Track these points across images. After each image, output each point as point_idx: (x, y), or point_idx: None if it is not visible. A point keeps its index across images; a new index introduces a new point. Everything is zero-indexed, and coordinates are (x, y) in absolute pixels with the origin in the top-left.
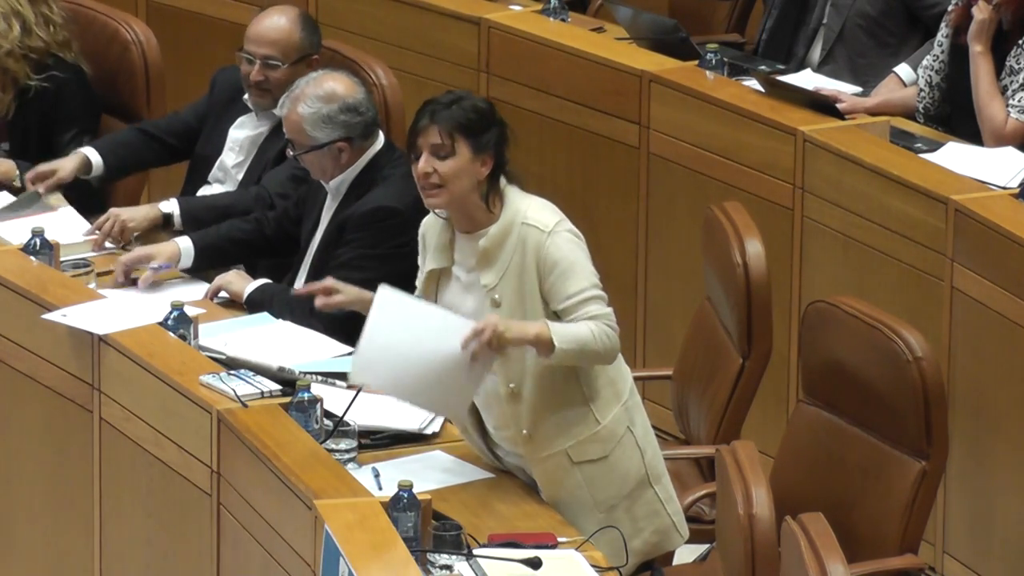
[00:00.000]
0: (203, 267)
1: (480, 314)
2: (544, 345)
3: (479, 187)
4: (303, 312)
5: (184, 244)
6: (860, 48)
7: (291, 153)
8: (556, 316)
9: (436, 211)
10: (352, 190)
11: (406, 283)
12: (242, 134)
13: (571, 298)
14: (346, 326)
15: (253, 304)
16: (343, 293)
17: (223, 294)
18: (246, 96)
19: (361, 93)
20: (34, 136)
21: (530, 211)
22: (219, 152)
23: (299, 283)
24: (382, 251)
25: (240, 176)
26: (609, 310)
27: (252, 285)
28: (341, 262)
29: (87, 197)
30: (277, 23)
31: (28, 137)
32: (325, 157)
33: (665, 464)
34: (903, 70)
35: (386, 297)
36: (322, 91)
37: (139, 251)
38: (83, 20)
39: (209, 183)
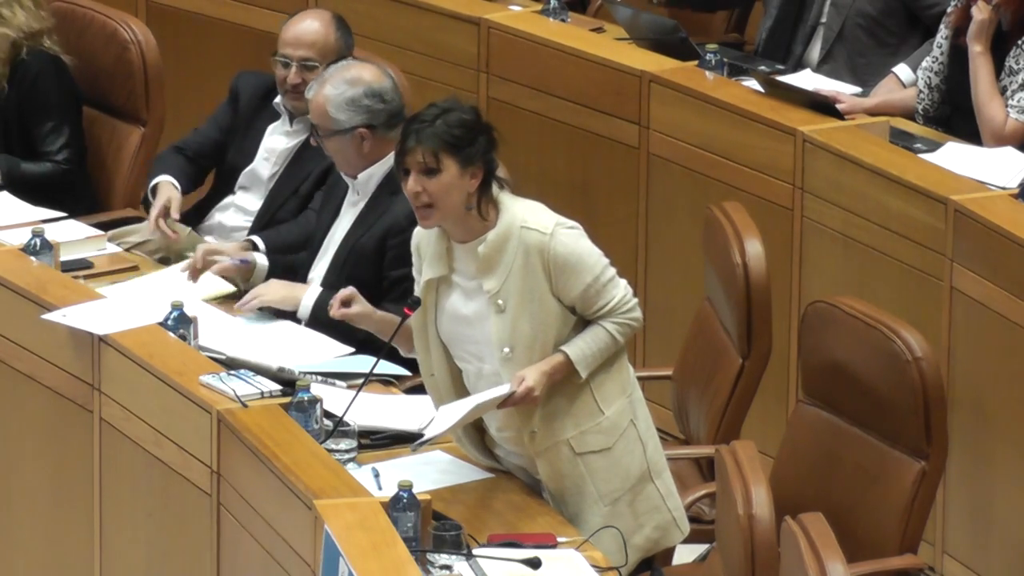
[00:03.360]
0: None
1: (482, 319)
2: (572, 376)
3: (471, 199)
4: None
5: (261, 261)
6: (860, 47)
7: (315, 141)
8: (572, 310)
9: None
10: (383, 186)
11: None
12: (278, 145)
13: (583, 293)
14: (349, 327)
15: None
16: (359, 304)
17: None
18: (276, 100)
19: (388, 82)
20: (15, 128)
21: (527, 214)
22: (249, 160)
23: (316, 272)
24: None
25: (271, 186)
26: (622, 291)
27: (309, 300)
28: (397, 278)
29: (82, 199)
30: (313, 26)
31: (10, 130)
32: (348, 145)
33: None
34: (902, 71)
35: (484, 398)
36: (349, 75)
37: (212, 246)
38: (81, 20)
39: (234, 192)
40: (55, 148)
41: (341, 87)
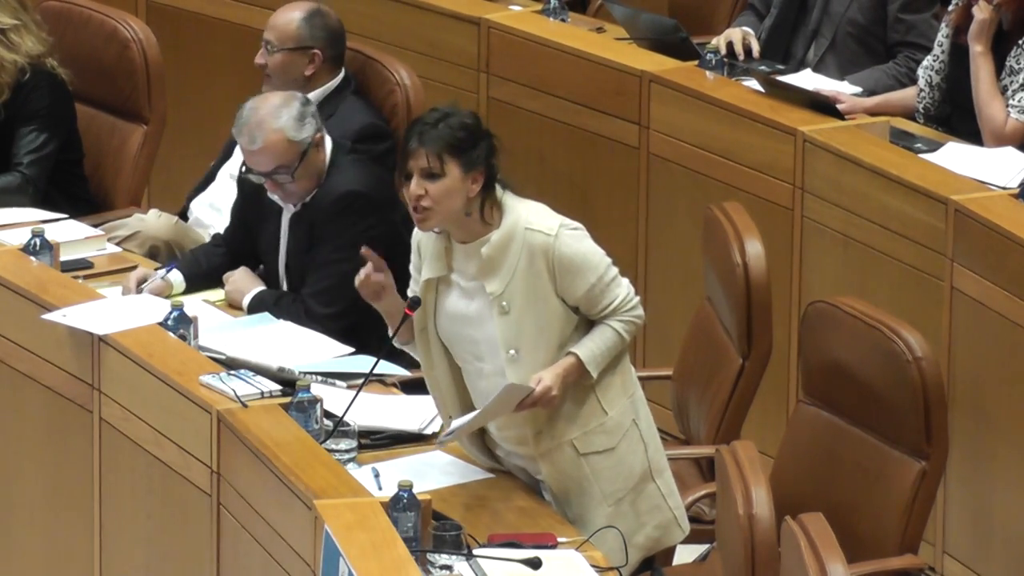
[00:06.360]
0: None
1: (484, 319)
2: (584, 377)
3: (472, 203)
4: (299, 316)
5: (176, 279)
6: (850, 55)
7: (274, 189)
8: (575, 311)
9: (432, 231)
10: (313, 196)
11: (388, 263)
12: None
13: (587, 293)
14: (345, 328)
15: (254, 311)
16: (388, 275)
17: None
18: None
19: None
20: (7, 142)
21: (531, 216)
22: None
23: (285, 286)
24: (362, 236)
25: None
26: (625, 289)
27: (248, 297)
28: (323, 260)
29: (82, 202)
30: (285, 13)
31: (4, 146)
32: (312, 162)
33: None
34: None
35: (513, 389)
36: (274, 103)
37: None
38: (77, 18)
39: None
40: (22, 156)
41: (281, 113)
